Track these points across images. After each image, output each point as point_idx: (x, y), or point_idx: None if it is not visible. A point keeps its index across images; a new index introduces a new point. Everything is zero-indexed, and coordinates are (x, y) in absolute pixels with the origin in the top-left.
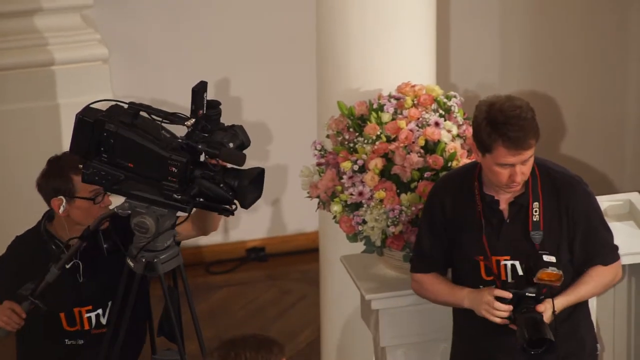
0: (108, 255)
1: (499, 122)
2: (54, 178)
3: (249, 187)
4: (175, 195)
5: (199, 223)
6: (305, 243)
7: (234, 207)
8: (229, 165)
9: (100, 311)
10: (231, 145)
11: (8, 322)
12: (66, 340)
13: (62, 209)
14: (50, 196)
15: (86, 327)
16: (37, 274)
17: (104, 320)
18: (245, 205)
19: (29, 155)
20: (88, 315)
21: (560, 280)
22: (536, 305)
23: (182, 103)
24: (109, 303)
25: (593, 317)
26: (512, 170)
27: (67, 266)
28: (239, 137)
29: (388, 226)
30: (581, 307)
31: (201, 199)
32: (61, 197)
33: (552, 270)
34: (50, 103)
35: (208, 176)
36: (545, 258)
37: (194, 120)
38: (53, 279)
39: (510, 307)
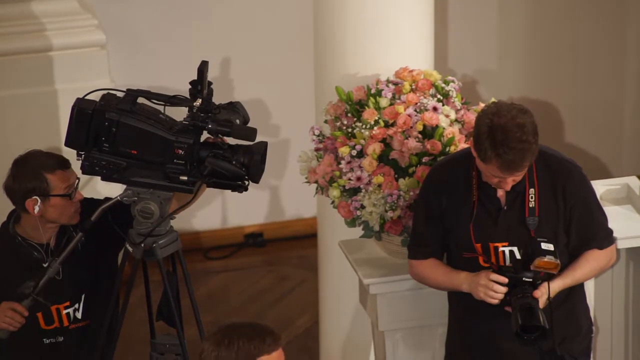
0: (82, 249)
1: (498, 142)
2: (27, 179)
3: (260, 162)
4: (182, 177)
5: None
6: (304, 228)
7: (246, 182)
8: (233, 142)
9: (76, 305)
10: (237, 122)
11: (11, 322)
12: (44, 339)
13: (36, 209)
14: (24, 198)
15: (65, 323)
16: (19, 280)
17: (79, 315)
18: (257, 179)
19: (26, 140)
20: (66, 311)
21: (557, 268)
22: (533, 290)
23: (179, 87)
24: (83, 296)
25: (591, 301)
26: (502, 181)
27: (45, 265)
28: (240, 113)
29: (386, 211)
30: (577, 290)
31: (213, 179)
32: (35, 197)
33: (549, 259)
34: (48, 89)
35: (219, 155)
36: (544, 246)
37: (200, 100)
38: (54, 273)
39: (506, 289)
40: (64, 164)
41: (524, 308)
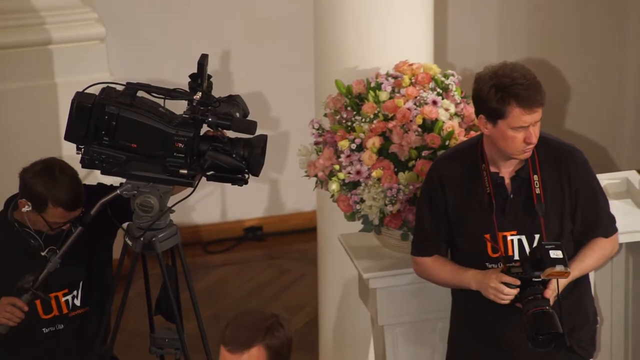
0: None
1: (507, 85)
2: (36, 186)
3: (260, 155)
4: (182, 171)
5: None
6: (303, 222)
7: (246, 176)
8: (233, 136)
9: (75, 293)
10: (237, 115)
11: (10, 317)
12: (44, 329)
13: (25, 209)
14: (22, 194)
15: (64, 311)
16: (18, 266)
17: (77, 302)
18: (257, 173)
19: (26, 134)
20: (65, 299)
21: (568, 275)
22: (543, 289)
23: (179, 80)
24: (80, 283)
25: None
26: (527, 132)
27: (43, 253)
28: (240, 107)
29: (386, 205)
30: (583, 280)
31: (213, 172)
32: (29, 202)
33: (559, 269)
34: (48, 82)
35: (219, 148)
36: (552, 254)
37: (200, 93)
38: (54, 268)
39: (517, 291)
40: (72, 205)
41: (537, 314)
